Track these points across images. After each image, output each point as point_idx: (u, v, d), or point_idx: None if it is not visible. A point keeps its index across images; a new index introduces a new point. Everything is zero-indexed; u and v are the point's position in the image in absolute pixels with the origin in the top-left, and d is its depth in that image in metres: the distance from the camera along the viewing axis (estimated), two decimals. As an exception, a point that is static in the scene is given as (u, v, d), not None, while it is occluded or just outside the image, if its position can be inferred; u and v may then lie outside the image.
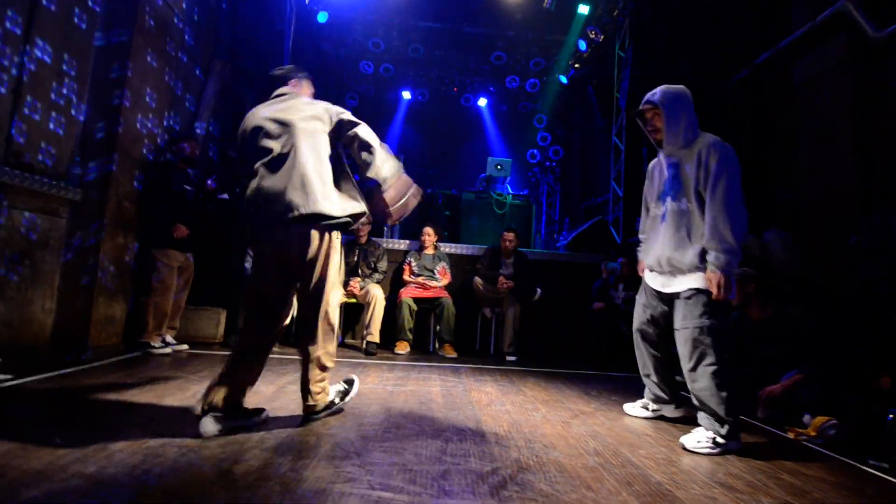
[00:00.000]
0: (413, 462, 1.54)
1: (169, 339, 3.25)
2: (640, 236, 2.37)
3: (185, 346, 3.30)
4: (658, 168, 2.19)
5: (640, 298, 2.30)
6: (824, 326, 2.72)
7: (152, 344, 3.10)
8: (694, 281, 1.97)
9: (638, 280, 4.09)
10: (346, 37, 7.07)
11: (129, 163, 3.09)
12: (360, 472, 1.44)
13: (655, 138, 2.14)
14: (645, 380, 2.36)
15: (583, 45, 6.78)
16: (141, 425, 1.71)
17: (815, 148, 3.78)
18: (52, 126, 2.73)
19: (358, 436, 1.76)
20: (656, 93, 2.07)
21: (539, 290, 4.25)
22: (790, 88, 4.05)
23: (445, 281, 4.25)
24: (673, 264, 2.02)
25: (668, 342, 2.20)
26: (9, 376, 2.23)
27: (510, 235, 4.28)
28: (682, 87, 2.07)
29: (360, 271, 4.12)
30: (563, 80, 7.61)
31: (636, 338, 2.32)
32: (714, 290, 1.88)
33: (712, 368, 1.91)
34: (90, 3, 2.92)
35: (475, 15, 6.70)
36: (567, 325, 4.65)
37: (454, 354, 3.88)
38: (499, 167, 6.13)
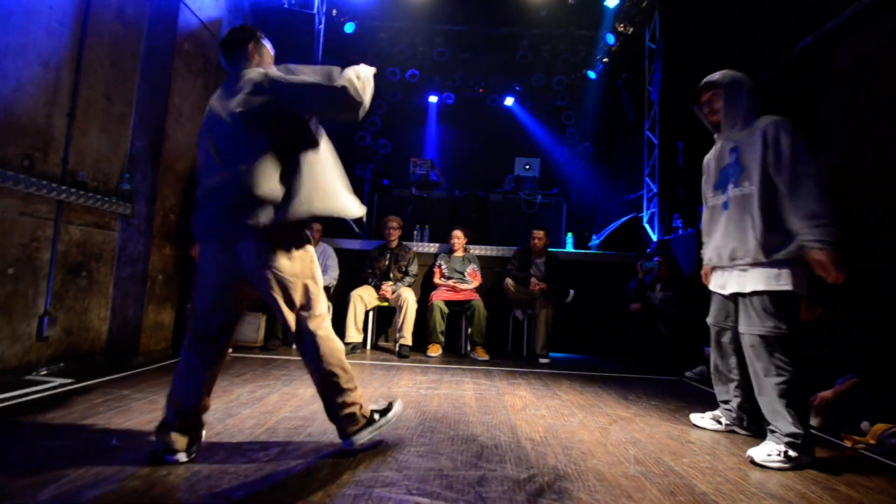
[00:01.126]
0: (449, 467, 1.55)
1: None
2: (705, 239, 2.20)
3: (229, 351, 3.44)
4: (715, 157, 2.07)
5: (712, 306, 2.16)
6: (878, 326, 2.54)
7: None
8: (758, 280, 1.81)
9: (677, 279, 3.99)
10: (372, 45, 7.20)
11: (174, 177, 3.26)
12: (398, 476, 1.46)
13: (712, 120, 2.04)
14: (717, 393, 2.18)
15: (611, 38, 6.63)
16: (190, 428, 1.80)
17: (859, 137, 3.54)
18: (102, 146, 2.92)
19: (394, 440, 1.79)
20: (716, 74, 2.01)
21: (571, 292, 4.18)
22: (832, 76, 3.81)
23: (476, 283, 4.25)
24: (735, 257, 1.89)
25: (742, 350, 2.01)
26: (70, 380, 2.40)
27: (540, 234, 4.23)
28: (742, 74, 2.00)
29: (391, 275, 4.18)
30: (592, 75, 7.45)
31: (712, 344, 2.16)
32: (826, 271, 1.68)
33: (779, 381, 1.75)
34: (135, 30, 3.10)
35: (499, 15, 6.68)
36: (601, 326, 4.55)
37: (486, 357, 3.87)
38: (527, 167, 6.07)
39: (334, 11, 6.22)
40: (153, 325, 3.12)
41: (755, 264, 1.83)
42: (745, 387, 2.04)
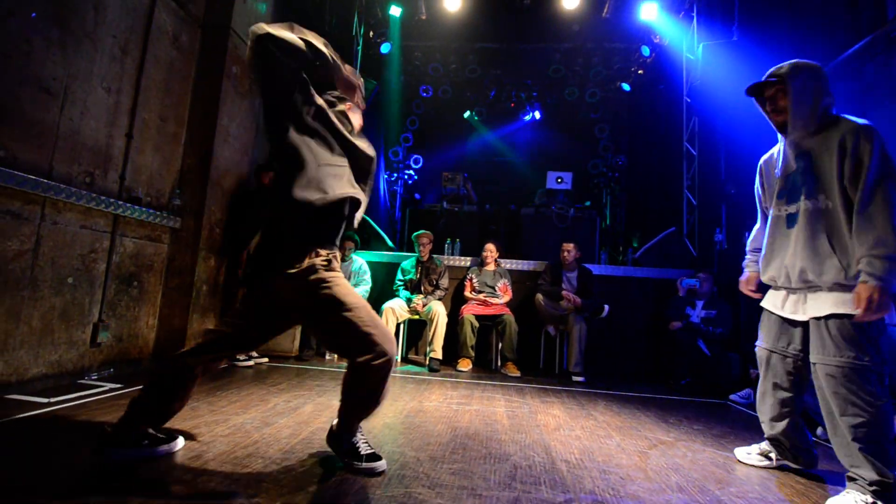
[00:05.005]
0: (482, 487, 1.52)
1: (253, 352, 3.52)
2: (750, 246, 2.01)
3: (265, 360, 3.54)
4: (779, 160, 1.81)
5: (763, 329, 1.91)
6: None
7: (237, 357, 3.37)
8: (836, 303, 1.58)
9: (720, 297, 3.81)
10: (407, 64, 7.40)
11: (220, 193, 3.43)
12: (430, 494, 1.44)
13: (777, 120, 1.78)
14: (764, 426, 1.93)
15: (646, 50, 6.53)
16: (229, 435, 1.85)
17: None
18: (156, 164, 3.11)
19: (426, 456, 1.77)
20: (784, 66, 1.73)
21: (607, 308, 4.06)
22: (890, 82, 3.59)
23: (507, 298, 4.21)
24: (807, 279, 1.65)
25: (801, 381, 1.80)
26: (119, 385, 2.53)
27: (569, 246, 4.16)
28: (816, 63, 1.72)
29: (422, 288, 4.20)
30: (626, 87, 7.35)
31: (760, 371, 1.92)
32: (861, 307, 1.48)
33: (856, 422, 1.51)
34: (188, 55, 3.32)
35: (531, 31, 6.73)
36: (638, 345, 4.39)
37: (517, 373, 3.80)
38: (559, 180, 6.01)
39: (371, 33, 6.45)
40: (197, 334, 3.25)
41: (833, 288, 1.60)
42: (800, 424, 1.84)
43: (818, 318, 1.64)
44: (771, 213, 1.84)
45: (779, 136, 1.84)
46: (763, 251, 1.87)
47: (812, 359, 1.66)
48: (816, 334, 1.65)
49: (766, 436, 1.94)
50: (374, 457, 1.59)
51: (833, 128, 1.65)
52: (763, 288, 1.96)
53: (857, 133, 1.58)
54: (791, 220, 1.74)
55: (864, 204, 1.54)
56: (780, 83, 1.73)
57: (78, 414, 2.00)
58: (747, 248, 2.06)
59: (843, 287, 1.59)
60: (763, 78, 1.79)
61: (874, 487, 1.50)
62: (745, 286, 2.01)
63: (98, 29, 2.60)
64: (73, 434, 1.77)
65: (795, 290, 1.73)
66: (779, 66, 1.76)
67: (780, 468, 1.92)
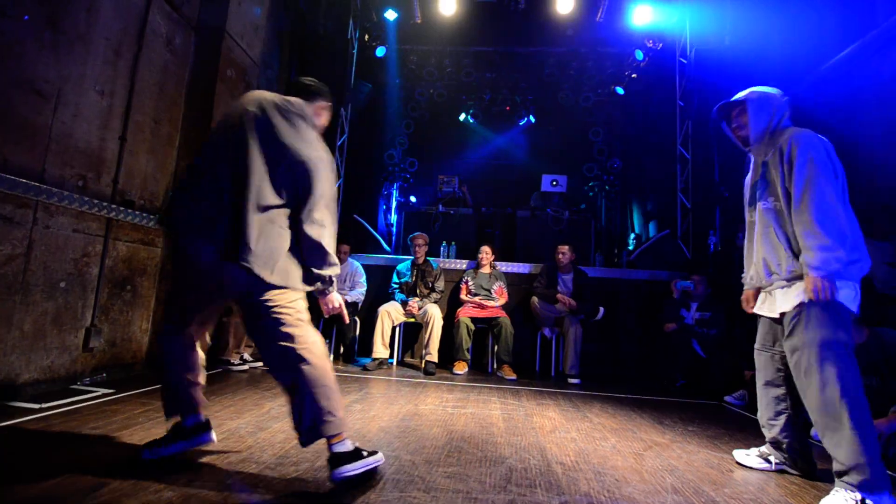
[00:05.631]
0: (478, 490, 1.52)
1: (247, 356, 3.50)
2: (746, 261, 2.10)
3: (260, 364, 3.52)
4: (750, 173, 2.02)
5: (759, 333, 2.03)
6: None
7: (232, 361, 3.35)
8: (799, 294, 1.72)
9: (714, 299, 3.84)
10: (402, 67, 7.42)
11: (212, 196, 3.41)
12: (426, 497, 1.44)
13: (740, 136, 1.99)
14: (763, 428, 1.98)
15: (639, 54, 6.59)
16: (223, 440, 1.84)
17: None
18: (150, 167, 3.09)
19: (421, 459, 1.77)
20: (742, 92, 1.98)
21: (602, 310, 4.08)
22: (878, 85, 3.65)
23: (502, 300, 4.21)
24: (770, 270, 1.82)
25: (791, 379, 1.84)
26: (111, 390, 2.50)
27: (564, 248, 4.17)
28: (774, 89, 1.95)
29: (417, 291, 4.19)
30: (620, 91, 7.41)
31: (758, 375, 2.00)
32: (809, 296, 1.63)
33: (844, 413, 1.57)
34: (182, 58, 3.31)
35: (525, 35, 6.76)
36: (633, 346, 4.41)
37: (513, 376, 3.80)
38: (554, 183, 6.04)
39: (366, 37, 6.46)
40: (190, 338, 3.23)
41: (794, 278, 1.74)
42: (797, 422, 1.88)
43: (788, 315, 1.76)
44: (746, 220, 2.02)
45: (747, 152, 2.03)
46: (745, 256, 2.03)
47: (786, 350, 1.77)
48: (788, 328, 1.76)
49: (766, 438, 1.97)
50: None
51: (779, 137, 1.85)
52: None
53: (791, 140, 1.78)
54: (756, 223, 1.92)
55: (795, 202, 1.72)
56: (742, 104, 1.97)
57: (70, 420, 1.98)
58: (745, 262, 2.13)
59: (800, 277, 1.72)
60: (724, 102, 2.02)
61: (859, 479, 1.52)
62: (745, 306, 2.07)
63: (91, 31, 2.59)
64: (64, 440, 1.75)
65: (767, 287, 1.87)
66: (739, 93, 2.01)
67: (779, 472, 1.92)
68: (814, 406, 1.66)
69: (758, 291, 1.99)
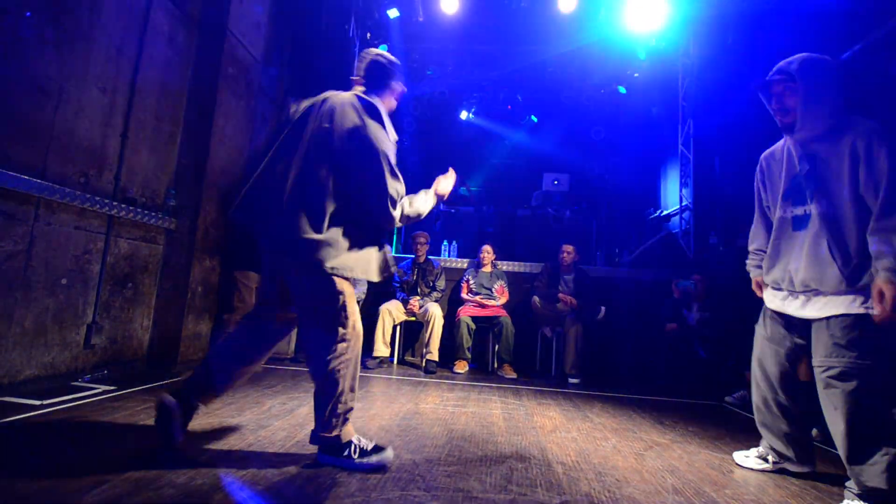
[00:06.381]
0: (478, 489, 1.52)
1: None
2: (751, 246, 1.94)
3: (259, 362, 3.52)
4: (784, 159, 1.73)
5: (761, 330, 1.87)
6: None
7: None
8: (841, 305, 1.52)
9: (714, 299, 3.83)
10: (403, 66, 7.40)
11: (216, 194, 3.41)
12: (426, 497, 1.44)
13: (784, 121, 1.69)
14: (762, 430, 1.89)
15: (642, 53, 6.57)
16: (223, 438, 1.84)
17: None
18: (151, 164, 3.09)
19: (422, 458, 1.77)
20: (793, 61, 1.62)
21: (602, 310, 4.08)
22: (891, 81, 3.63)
23: (503, 299, 4.21)
24: (808, 286, 1.60)
25: (799, 387, 1.77)
26: (113, 387, 2.51)
27: (569, 248, 4.17)
28: (828, 57, 1.60)
29: (418, 290, 4.19)
30: (622, 90, 7.38)
31: (754, 374, 1.88)
32: (879, 305, 1.41)
33: (855, 424, 1.46)
34: (184, 55, 3.30)
35: (528, 34, 6.74)
36: (634, 346, 4.40)
37: (514, 375, 3.80)
38: (556, 181, 6.03)
39: (368, 35, 6.45)
40: (192, 335, 3.23)
41: (838, 293, 1.55)
42: (799, 426, 1.82)
43: (822, 319, 1.59)
44: (777, 214, 1.77)
45: (784, 135, 1.76)
46: (768, 251, 1.81)
47: (814, 362, 1.61)
48: (822, 337, 1.59)
49: (764, 438, 1.93)
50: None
51: (844, 130, 1.57)
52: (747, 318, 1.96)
53: (871, 136, 1.51)
54: (797, 222, 1.68)
55: (884, 211, 1.46)
56: (789, 80, 1.63)
57: (71, 416, 1.98)
58: (749, 248, 1.99)
59: (846, 292, 1.54)
60: (769, 75, 1.69)
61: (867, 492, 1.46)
62: (758, 291, 1.92)
63: (93, 28, 2.59)
64: (66, 436, 1.75)
65: (798, 293, 1.68)
66: (788, 60, 1.64)
67: (778, 472, 1.91)
68: (848, 446, 1.53)
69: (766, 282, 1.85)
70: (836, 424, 1.54)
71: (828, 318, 1.57)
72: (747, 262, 1.99)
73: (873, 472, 1.46)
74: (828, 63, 1.60)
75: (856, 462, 1.50)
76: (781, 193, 1.74)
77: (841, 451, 1.55)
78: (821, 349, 1.57)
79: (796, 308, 1.68)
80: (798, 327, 1.72)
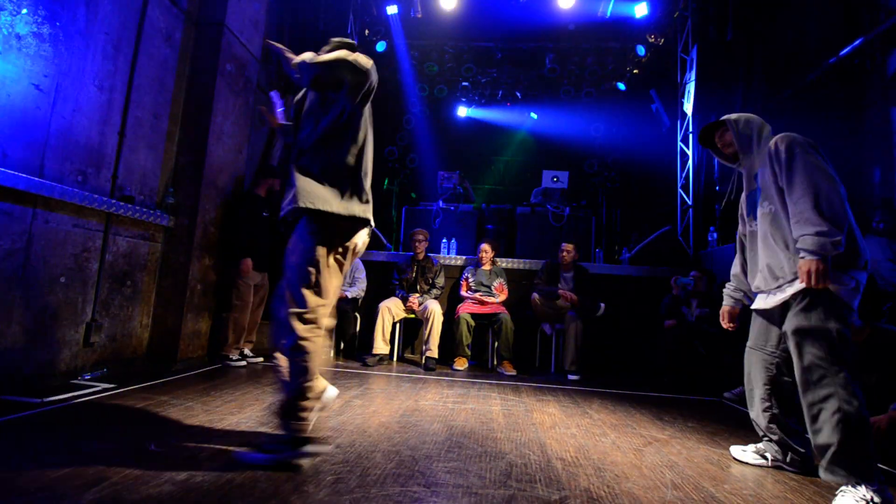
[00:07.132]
0: (478, 485, 1.52)
1: (247, 351, 3.50)
2: (733, 272, 2.16)
3: (260, 359, 3.52)
4: (745, 189, 2.06)
5: (748, 344, 2.05)
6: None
7: (231, 357, 3.35)
8: (798, 283, 1.72)
9: (712, 295, 3.83)
10: (402, 62, 7.38)
11: (214, 192, 3.40)
12: (426, 493, 1.44)
13: (728, 153, 2.06)
14: (755, 425, 1.99)
15: (641, 49, 6.56)
16: (224, 435, 1.84)
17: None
18: (149, 162, 3.08)
19: (422, 454, 1.77)
20: (721, 118, 2.07)
21: (602, 306, 4.08)
22: (883, 82, 3.63)
23: (503, 297, 4.21)
24: (775, 275, 1.83)
25: (781, 378, 1.91)
26: (112, 385, 2.51)
27: (569, 247, 4.17)
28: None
29: (418, 287, 4.20)
30: (622, 86, 7.38)
31: (746, 388, 2.03)
32: (804, 280, 1.64)
33: (835, 400, 1.57)
34: (182, 53, 3.29)
35: (526, 30, 6.73)
36: (633, 343, 4.41)
37: (513, 371, 3.81)
38: (555, 179, 6.02)
39: (367, 31, 6.43)
40: (191, 333, 3.24)
41: (795, 279, 1.75)
42: (784, 418, 1.90)
43: (789, 301, 1.77)
44: (747, 232, 2.05)
45: (737, 169, 2.08)
46: (748, 265, 2.05)
47: (786, 328, 1.77)
48: (789, 317, 1.77)
49: (760, 435, 1.98)
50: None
51: (766, 144, 1.92)
52: (744, 317, 2.14)
53: (776, 140, 1.85)
54: (756, 231, 1.95)
55: (791, 195, 1.75)
56: (723, 125, 2.05)
57: (71, 414, 1.98)
58: (731, 274, 2.20)
59: (796, 276, 1.74)
60: (706, 126, 2.10)
61: (865, 485, 1.50)
62: (724, 321, 2.15)
63: (90, 25, 2.58)
64: (65, 434, 1.75)
65: (773, 290, 1.87)
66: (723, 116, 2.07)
67: (776, 467, 1.93)
68: (806, 401, 1.69)
69: (735, 309, 2.12)
70: (802, 392, 1.70)
71: (792, 297, 1.77)
72: (724, 289, 2.21)
73: (825, 432, 1.59)
74: (754, 115, 2.02)
75: (812, 423, 1.64)
76: (744, 213, 2.07)
77: (806, 418, 1.68)
78: (788, 323, 1.77)
79: (773, 301, 1.87)
80: (778, 320, 1.89)
